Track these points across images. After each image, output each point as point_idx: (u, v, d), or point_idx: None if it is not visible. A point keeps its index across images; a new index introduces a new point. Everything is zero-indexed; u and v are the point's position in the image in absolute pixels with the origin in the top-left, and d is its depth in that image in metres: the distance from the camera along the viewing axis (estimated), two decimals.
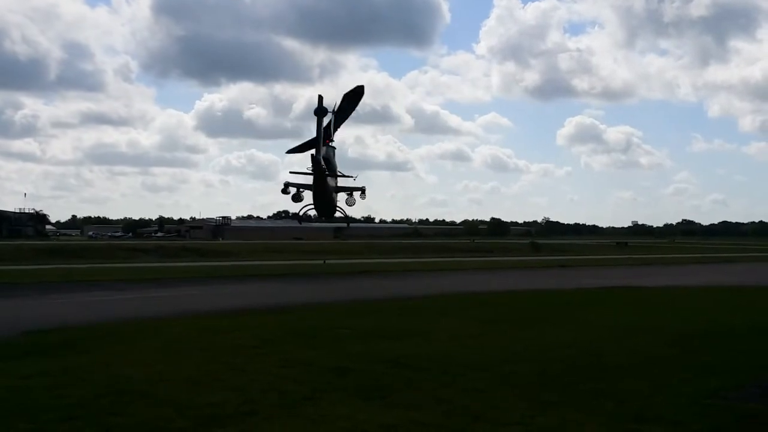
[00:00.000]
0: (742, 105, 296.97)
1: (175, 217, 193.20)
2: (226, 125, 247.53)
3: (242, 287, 31.32)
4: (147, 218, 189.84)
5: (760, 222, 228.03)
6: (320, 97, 16.06)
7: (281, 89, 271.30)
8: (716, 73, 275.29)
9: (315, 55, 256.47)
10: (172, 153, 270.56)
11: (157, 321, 18.03)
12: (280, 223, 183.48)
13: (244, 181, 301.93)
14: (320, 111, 15.79)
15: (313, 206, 17.27)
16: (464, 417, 8.27)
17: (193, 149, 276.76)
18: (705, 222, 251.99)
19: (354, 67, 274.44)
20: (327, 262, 51.40)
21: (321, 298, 25.20)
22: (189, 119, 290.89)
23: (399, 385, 9.96)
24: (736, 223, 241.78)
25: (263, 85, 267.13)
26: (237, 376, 10.64)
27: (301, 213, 17.30)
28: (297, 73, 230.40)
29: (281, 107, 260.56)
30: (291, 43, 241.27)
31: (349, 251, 76.82)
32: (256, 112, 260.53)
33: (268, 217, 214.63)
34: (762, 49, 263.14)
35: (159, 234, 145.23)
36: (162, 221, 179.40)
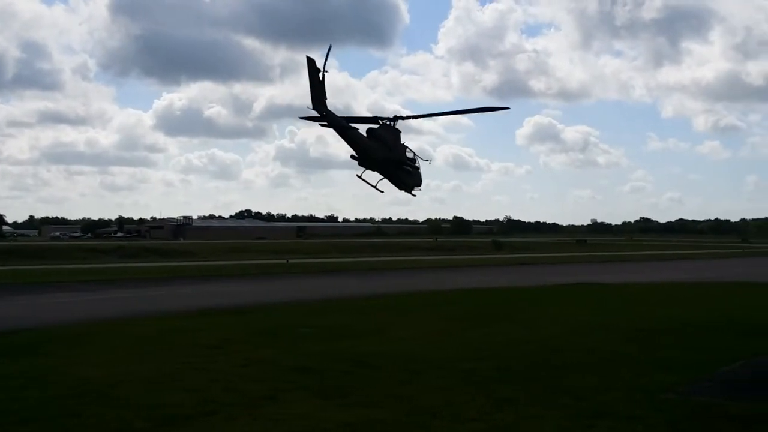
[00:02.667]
0: (695, 105, 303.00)
1: (135, 217, 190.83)
2: (186, 124, 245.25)
3: (204, 287, 31.08)
4: (106, 218, 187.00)
5: (716, 220, 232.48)
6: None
7: (241, 89, 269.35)
8: (669, 74, 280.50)
9: (275, 54, 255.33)
10: (132, 152, 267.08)
11: (117, 322, 17.83)
12: (242, 223, 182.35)
13: (205, 181, 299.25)
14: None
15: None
16: (424, 414, 8.31)
17: (153, 148, 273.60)
18: (662, 220, 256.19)
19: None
20: (290, 261, 51.20)
21: (283, 297, 25.11)
22: (148, 118, 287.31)
23: (360, 384, 9.96)
24: (692, 220, 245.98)
25: (223, 84, 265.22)
26: (197, 377, 10.55)
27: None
28: (257, 73, 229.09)
29: (242, 106, 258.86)
30: (251, 43, 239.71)
31: (312, 250, 76.64)
32: (216, 111, 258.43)
33: (231, 216, 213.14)
34: (713, 50, 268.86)
35: (119, 234, 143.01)
36: (122, 221, 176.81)
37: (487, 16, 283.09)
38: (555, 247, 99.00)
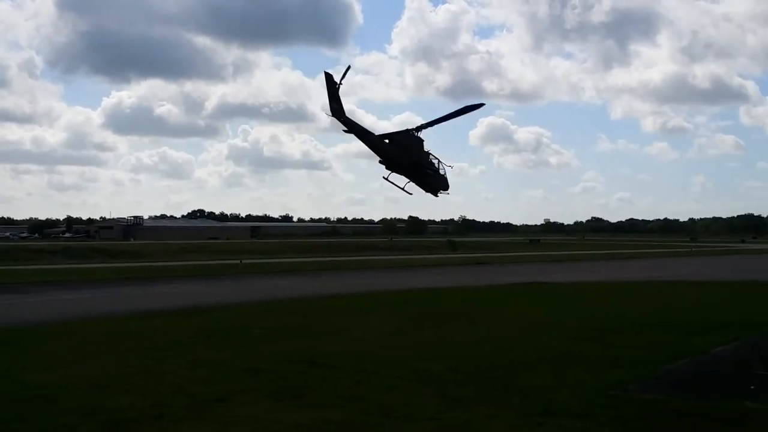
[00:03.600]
0: (644, 107, 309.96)
1: (84, 217, 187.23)
2: (136, 123, 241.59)
3: (154, 288, 30.60)
4: (54, 218, 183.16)
5: (665, 219, 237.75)
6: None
7: (193, 87, 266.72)
8: (618, 76, 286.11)
9: (227, 52, 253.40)
10: (80, 151, 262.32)
11: (64, 324, 17.45)
12: (195, 223, 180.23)
13: (156, 180, 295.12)
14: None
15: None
16: (377, 414, 8.28)
17: (102, 147, 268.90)
18: (613, 219, 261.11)
19: (267, 66, 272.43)
20: (243, 262, 50.74)
21: (236, 298, 24.86)
22: (97, 116, 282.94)
23: (312, 385, 9.89)
24: (642, 220, 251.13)
25: (174, 82, 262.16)
26: (145, 379, 10.36)
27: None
28: (209, 71, 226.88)
29: (193, 105, 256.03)
30: (203, 40, 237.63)
31: (267, 251, 76.11)
32: (167, 110, 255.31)
33: (183, 216, 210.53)
34: (661, 53, 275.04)
35: (67, 235, 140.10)
36: (70, 221, 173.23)
37: (440, 17, 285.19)
38: (509, 246, 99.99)
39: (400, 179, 20.28)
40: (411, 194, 19.97)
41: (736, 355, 12.15)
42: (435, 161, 20.95)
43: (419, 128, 20.45)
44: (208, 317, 18.75)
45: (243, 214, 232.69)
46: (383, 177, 19.51)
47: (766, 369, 10.82)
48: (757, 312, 17.30)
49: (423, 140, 20.21)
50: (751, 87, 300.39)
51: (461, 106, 21.22)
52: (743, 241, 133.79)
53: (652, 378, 10.33)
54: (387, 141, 19.66)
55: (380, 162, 19.31)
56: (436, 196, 20.20)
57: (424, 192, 20.35)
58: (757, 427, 7.60)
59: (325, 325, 16.66)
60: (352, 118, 20.19)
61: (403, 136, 19.87)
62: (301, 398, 9.13)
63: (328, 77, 18.70)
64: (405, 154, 19.58)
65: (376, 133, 19.62)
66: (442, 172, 21.18)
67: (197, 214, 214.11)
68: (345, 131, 19.23)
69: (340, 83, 18.30)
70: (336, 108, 18.52)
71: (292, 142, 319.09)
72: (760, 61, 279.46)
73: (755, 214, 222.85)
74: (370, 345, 13.49)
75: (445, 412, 8.34)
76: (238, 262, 50.40)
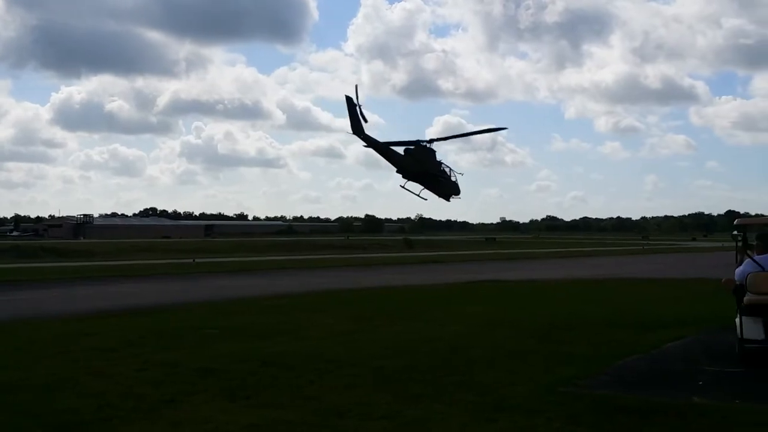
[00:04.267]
0: (596, 107, 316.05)
1: (32, 215, 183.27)
2: (86, 119, 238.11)
3: (104, 288, 30.10)
4: (1, 216, 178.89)
5: (618, 218, 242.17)
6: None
7: (144, 83, 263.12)
8: (571, 76, 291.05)
9: (180, 48, 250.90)
10: (28, 147, 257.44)
11: (12, 324, 17.04)
12: (147, 221, 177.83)
13: (107, 177, 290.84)
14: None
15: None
16: (331, 414, 8.24)
17: (51, 143, 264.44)
18: (567, 218, 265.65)
19: (221, 62, 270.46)
20: (196, 261, 50.18)
21: (189, 297, 24.58)
22: (45, 112, 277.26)
23: (266, 385, 9.80)
24: (596, 218, 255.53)
25: (125, 78, 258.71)
26: (94, 381, 10.15)
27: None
28: (161, 67, 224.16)
29: (145, 101, 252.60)
30: (155, 35, 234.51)
31: (221, 249, 75.51)
32: (118, 106, 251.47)
33: (134, 214, 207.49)
34: (613, 54, 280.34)
35: (15, 233, 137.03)
36: (18, 219, 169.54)
37: (395, 15, 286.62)
38: (465, 245, 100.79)
39: (415, 186, 22.30)
40: (426, 199, 22.90)
41: (685, 352, 12.40)
42: (447, 169, 22.89)
43: (431, 141, 22.28)
44: (160, 317, 18.48)
45: (196, 213, 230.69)
46: (401, 185, 21.48)
47: (713, 365, 11.04)
48: (706, 309, 17.66)
49: (435, 151, 22.57)
50: (701, 87, 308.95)
51: (485, 128, 25.02)
52: (694, 239, 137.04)
53: (602, 374, 10.47)
54: (403, 154, 21.34)
55: (397, 172, 21.09)
56: (449, 200, 22.64)
57: (437, 198, 21.99)
58: (703, 421, 7.74)
59: (280, 324, 16.55)
60: (364, 132, 21.92)
61: (419, 150, 21.60)
62: (254, 398, 9.03)
63: (349, 100, 20.34)
64: (420, 165, 21.34)
65: (387, 142, 22.01)
66: (453, 178, 23.02)
67: (149, 213, 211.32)
68: (364, 146, 21.17)
69: (359, 103, 19.97)
70: (357, 127, 20.18)
71: (247, 139, 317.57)
72: (710, 62, 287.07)
73: (705, 212, 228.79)
74: (324, 344, 13.43)
75: (400, 410, 8.34)
76: (192, 261, 49.87)
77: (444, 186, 22.53)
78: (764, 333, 10.60)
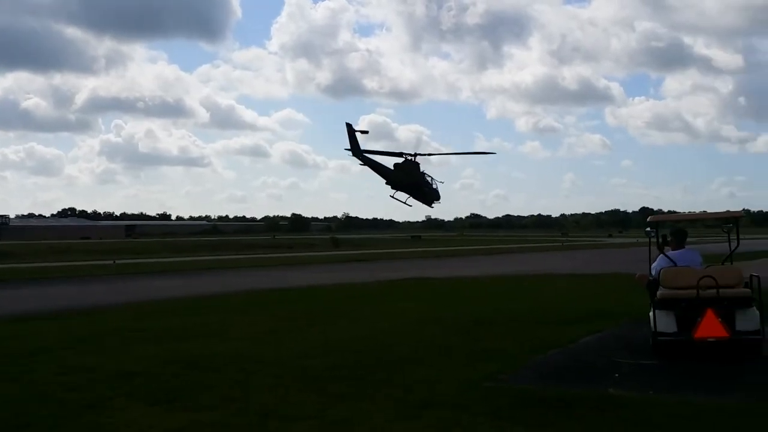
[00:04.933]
0: (517, 107, 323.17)
1: None
2: (1, 117, 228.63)
3: (20, 292, 29.08)
4: None
5: (538, 215, 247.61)
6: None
7: (62, 79, 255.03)
8: (492, 77, 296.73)
9: (99, 45, 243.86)
10: None
11: None
12: (65, 222, 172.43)
13: (23, 177, 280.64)
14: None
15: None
16: (256, 415, 8.20)
17: None
18: (490, 216, 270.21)
19: (142, 59, 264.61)
20: (117, 262, 48.93)
21: (109, 300, 23.96)
22: None
23: (189, 387, 9.66)
24: (518, 216, 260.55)
25: (42, 74, 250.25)
26: (10, 387, 9.83)
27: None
28: (80, 63, 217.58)
29: (63, 98, 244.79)
30: (73, 32, 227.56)
31: (143, 250, 73.81)
32: (35, 103, 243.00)
33: (53, 215, 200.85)
34: (532, 55, 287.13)
35: None
36: None
37: (319, 13, 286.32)
38: (391, 243, 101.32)
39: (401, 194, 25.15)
40: (411, 206, 26.08)
41: (602, 345, 12.80)
42: (429, 178, 25.56)
43: (416, 155, 24.85)
44: (80, 320, 17.99)
45: (117, 213, 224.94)
46: (390, 195, 24.05)
47: (629, 358, 11.43)
48: (622, 303, 18.26)
49: (419, 163, 25.15)
50: (615, 89, 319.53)
51: (473, 151, 29.04)
52: (610, 236, 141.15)
53: (524, 369, 10.73)
54: (393, 169, 23.79)
55: (386, 183, 23.50)
56: (431, 207, 25.20)
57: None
58: (619, 412, 8.02)
59: (203, 325, 16.33)
60: (364, 153, 24.94)
61: (406, 164, 24.12)
62: (177, 402, 8.90)
63: (348, 126, 23.25)
64: (408, 178, 23.91)
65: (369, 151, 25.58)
66: (434, 186, 25.79)
67: (68, 213, 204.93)
68: (360, 164, 23.96)
69: (357, 131, 22.57)
70: (355, 150, 22.70)
71: (169, 137, 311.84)
72: (624, 64, 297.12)
73: (621, 209, 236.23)
74: (249, 345, 13.32)
75: (326, 410, 8.36)
76: (112, 262, 48.58)
77: (427, 194, 25.08)
78: (676, 326, 11.05)
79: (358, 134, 23.25)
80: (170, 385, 9.80)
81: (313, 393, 9.19)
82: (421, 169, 26.18)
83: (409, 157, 25.45)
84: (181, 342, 13.82)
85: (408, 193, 24.63)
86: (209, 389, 9.52)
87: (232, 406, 8.63)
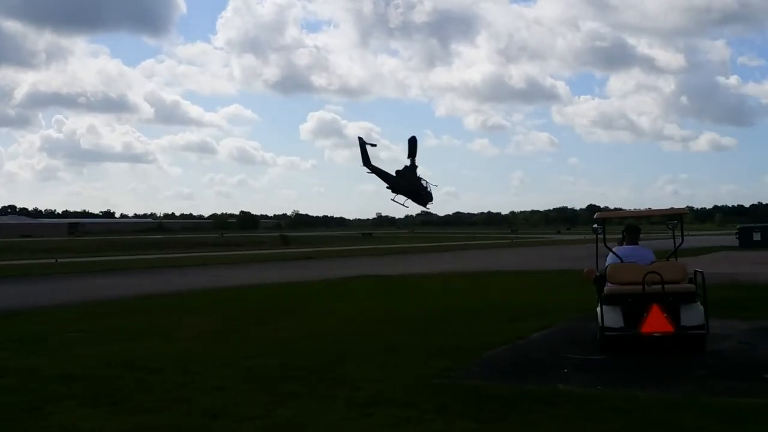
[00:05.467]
0: (466, 105, 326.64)
1: None
2: None
3: None
4: None
5: (488, 212, 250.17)
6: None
7: (1, 74, 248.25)
8: (441, 75, 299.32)
9: (39, 38, 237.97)
10: None
11: None
12: (5, 220, 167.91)
13: None
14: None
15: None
16: (202, 416, 8.02)
17: None
18: (441, 213, 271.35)
19: (83, 53, 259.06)
20: (59, 261, 47.78)
21: (51, 300, 23.31)
22: None
23: (133, 389, 9.41)
24: (468, 213, 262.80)
25: None
26: None
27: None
28: (19, 58, 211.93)
29: (2, 93, 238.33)
30: (12, 25, 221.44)
31: (87, 249, 72.27)
32: None
33: None
34: (480, 54, 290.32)
35: None
36: None
37: (266, 9, 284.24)
38: (342, 240, 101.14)
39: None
40: (408, 207, 27.04)
41: (550, 341, 12.91)
42: (424, 182, 28.04)
43: (414, 165, 27.61)
44: (18, 321, 17.47)
45: (59, 210, 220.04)
46: (391, 199, 26.53)
47: (577, 353, 11.54)
48: (571, 298, 18.49)
49: (417, 167, 27.09)
50: (561, 87, 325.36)
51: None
52: (559, 233, 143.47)
53: (474, 365, 10.74)
54: (396, 176, 26.52)
55: (387, 188, 26.15)
56: (427, 208, 28.16)
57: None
58: (567, 407, 8.06)
59: (148, 325, 15.99)
60: (373, 163, 27.49)
61: (406, 171, 26.69)
62: (121, 404, 8.66)
63: (360, 139, 26.22)
64: (408, 183, 26.60)
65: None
66: (429, 189, 28.26)
67: (8, 211, 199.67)
68: (368, 172, 26.38)
69: (367, 144, 25.58)
70: (366, 161, 25.42)
71: (113, 133, 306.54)
72: (569, 63, 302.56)
73: (569, 206, 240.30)
74: (195, 345, 13.06)
75: (274, 410, 8.22)
76: (54, 261, 47.42)
77: (423, 197, 27.80)
78: (623, 321, 11.18)
79: (368, 146, 26.09)
80: (113, 387, 9.53)
81: (261, 393, 9.04)
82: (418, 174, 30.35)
83: (409, 165, 28.49)
84: (124, 343, 13.49)
85: (407, 197, 27.34)
86: (153, 391, 9.29)
87: (177, 407, 8.42)
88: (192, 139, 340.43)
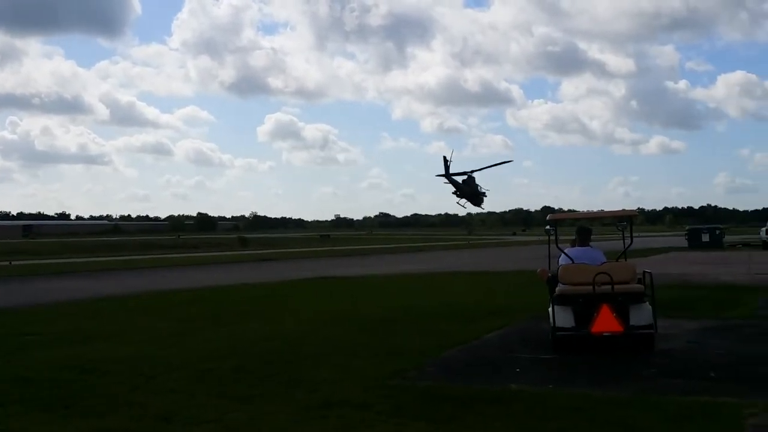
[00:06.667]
0: (422, 108, 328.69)
1: None
2: None
3: None
4: None
5: (445, 214, 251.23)
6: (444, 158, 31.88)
7: None
8: (397, 78, 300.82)
9: None
10: None
11: None
12: None
13: None
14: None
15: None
16: (155, 419, 8.00)
17: None
18: (399, 214, 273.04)
19: (37, 55, 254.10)
20: (13, 263, 46.83)
21: (4, 303, 22.84)
22: None
23: (87, 392, 9.34)
24: (425, 215, 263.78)
25: None
26: None
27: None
28: None
29: None
30: None
31: (41, 251, 70.94)
32: None
33: None
34: (435, 57, 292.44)
35: None
36: None
37: (222, 11, 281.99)
38: (300, 242, 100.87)
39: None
40: (465, 207, 32.60)
41: (504, 341, 13.11)
42: (480, 188, 34.38)
43: (473, 171, 33.62)
44: None
45: (14, 212, 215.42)
46: (457, 202, 32.44)
47: (529, 353, 11.74)
48: (524, 299, 18.73)
49: (474, 177, 33.08)
50: (515, 91, 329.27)
51: (494, 164, 34.68)
52: (514, 234, 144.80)
53: (428, 366, 10.86)
54: (462, 183, 31.42)
55: (453, 193, 31.55)
56: (482, 208, 34.25)
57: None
58: (520, 406, 8.22)
59: (104, 328, 15.81)
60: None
61: (470, 180, 32.09)
62: (74, 407, 8.59)
63: (444, 158, 31.17)
64: (469, 189, 31.58)
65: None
66: (483, 192, 34.40)
67: None
68: (445, 182, 31.55)
69: (449, 161, 30.72)
70: (447, 173, 29.47)
71: (67, 134, 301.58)
72: (523, 67, 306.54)
73: (524, 208, 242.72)
74: (150, 348, 12.97)
75: (228, 413, 8.23)
76: (8, 263, 46.47)
77: (479, 200, 33.13)
78: (574, 321, 11.41)
79: (449, 162, 31.52)
80: (67, 391, 9.44)
81: (216, 396, 9.04)
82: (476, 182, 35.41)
83: (471, 174, 34.47)
84: (78, 345, 13.34)
85: (468, 200, 32.43)
86: (108, 394, 9.23)
87: (131, 411, 8.39)
88: (148, 140, 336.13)
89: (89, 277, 37.78)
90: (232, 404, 8.61)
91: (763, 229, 50.26)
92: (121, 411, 8.39)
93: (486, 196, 36.93)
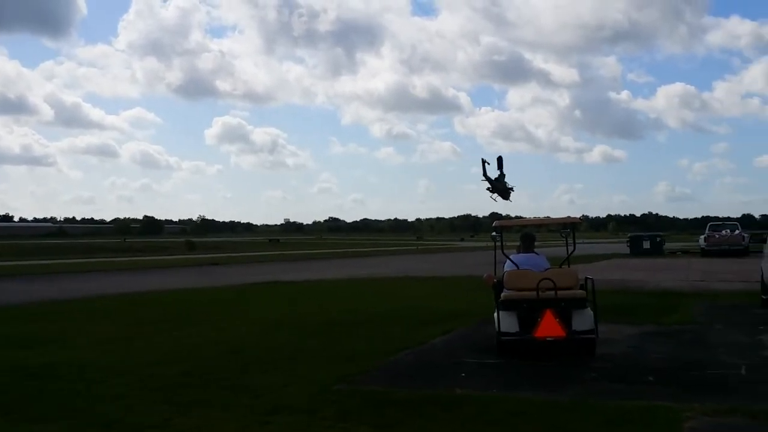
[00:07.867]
0: (371, 113, 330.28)
1: None
2: None
3: None
4: None
5: (395, 219, 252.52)
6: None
7: None
8: (346, 83, 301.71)
9: None
10: None
11: None
12: None
13: None
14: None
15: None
16: (99, 425, 7.93)
17: None
18: (348, 219, 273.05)
19: None
20: None
21: None
22: None
23: (30, 398, 9.20)
24: (375, 220, 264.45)
25: None
26: None
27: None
28: None
29: None
30: None
31: None
32: None
33: None
34: (384, 63, 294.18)
35: None
36: None
37: (170, 12, 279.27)
38: (249, 246, 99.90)
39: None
40: (496, 201, 30.27)
41: (450, 345, 13.27)
42: (508, 184, 31.53)
43: (503, 174, 31.24)
44: None
45: None
46: (490, 197, 29.85)
47: (474, 357, 11.92)
48: (471, 304, 18.93)
49: (505, 175, 30.64)
50: (463, 98, 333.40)
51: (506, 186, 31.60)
52: (462, 239, 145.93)
53: (375, 370, 10.95)
54: (495, 181, 29.77)
55: (487, 189, 29.26)
56: (510, 200, 30.96)
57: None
58: (465, 410, 8.36)
59: (45, 332, 15.51)
60: None
61: (502, 177, 30.25)
62: (17, 413, 8.46)
63: (483, 159, 29.27)
64: (501, 186, 29.97)
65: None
66: (511, 188, 32.03)
67: None
68: (487, 188, 29.45)
69: (486, 162, 28.86)
70: (485, 174, 28.47)
71: (10, 135, 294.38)
72: (470, 75, 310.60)
73: (472, 214, 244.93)
74: (94, 352, 12.80)
75: (173, 419, 8.20)
76: None
77: (508, 195, 31.45)
78: (518, 326, 11.63)
79: (486, 165, 29.53)
80: (8, 396, 9.29)
81: (160, 401, 8.98)
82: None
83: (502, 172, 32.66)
84: (19, 350, 13.08)
85: (499, 195, 31.05)
86: (50, 399, 9.11)
87: (75, 416, 8.30)
88: (93, 142, 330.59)
89: (32, 280, 36.90)
90: (177, 410, 8.56)
91: (702, 236, 51.52)
92: (66, 416, 8.28)
93: (513, 191, 37.84)
